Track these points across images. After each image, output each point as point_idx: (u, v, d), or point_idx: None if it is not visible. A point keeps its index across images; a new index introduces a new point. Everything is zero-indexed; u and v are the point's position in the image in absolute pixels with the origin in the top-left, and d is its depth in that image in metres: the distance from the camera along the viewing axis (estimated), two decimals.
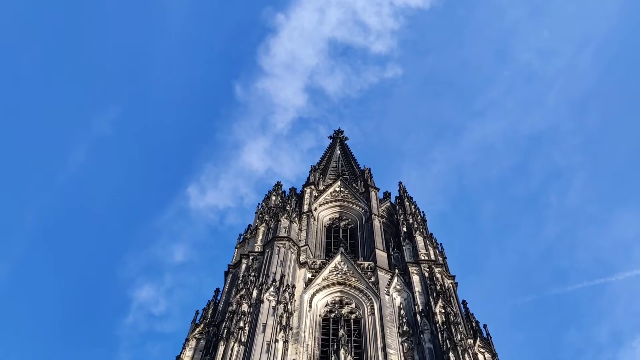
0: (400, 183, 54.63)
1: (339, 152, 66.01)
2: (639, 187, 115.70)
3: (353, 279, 38.28)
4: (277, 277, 35.21)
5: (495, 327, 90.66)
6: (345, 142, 69.74)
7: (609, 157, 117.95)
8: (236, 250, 43.42)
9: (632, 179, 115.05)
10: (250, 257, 39.20)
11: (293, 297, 34.54)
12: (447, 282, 38.22)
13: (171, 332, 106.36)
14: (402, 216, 47.29)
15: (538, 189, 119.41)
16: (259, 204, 50.38)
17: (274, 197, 50.64)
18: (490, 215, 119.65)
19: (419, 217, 47.40)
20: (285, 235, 40.62)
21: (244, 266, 38.33)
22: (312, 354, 32.31)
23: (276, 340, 29.83)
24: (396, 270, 39.37)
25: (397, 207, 50.03)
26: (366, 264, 40.31)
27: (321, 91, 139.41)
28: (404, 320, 34.50)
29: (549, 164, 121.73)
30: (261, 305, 32.51)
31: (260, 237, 42.54)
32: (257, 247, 41.02)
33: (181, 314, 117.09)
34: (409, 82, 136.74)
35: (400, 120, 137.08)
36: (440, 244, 43.92)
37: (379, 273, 38.82)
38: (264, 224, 44.34)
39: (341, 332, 31.85)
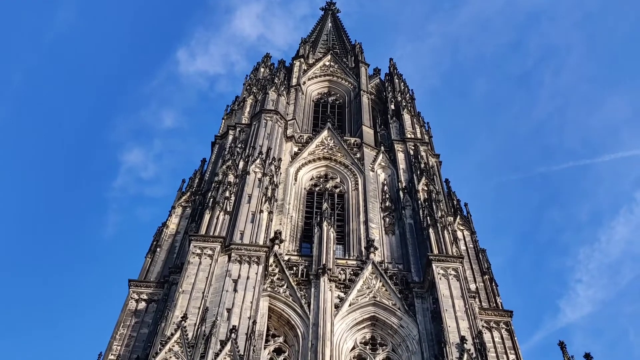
0: (391, 59, 53.77)
1: (330, 24, 64.35)
2: (633, 70, 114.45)
3: (339, 154, 38.59)
4: (264, 150, 35.37)
5: (478, 205, 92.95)
6: (337, 14, 67.89)
7: (606, 38, 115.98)
8: (223, 121, 43.31)
9: (627, 61, 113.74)
10: (237, 129, 39.19)
11: (279, 170, 34.90)
12: (432, 161, 38.67)
13: (160, 196, 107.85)
14: (390, 93, 46.95)
15: (532, 67, 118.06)
16: (247, 75, 49.74)
17: (262, 69, 49.85)
18: (482, 93, 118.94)
19: (408, 95, 47.08)
20: (272, 108, 40.39)
21: (230, 137, 38.40)
22: (296, 225, 33.13)
23: (261, 211, 30.44)
24: (382, 147, 39.64)
25: (387, 84, 49.54)
26: (352, 140, 40.47)
27: None
28: (387, 196, 35.19)
29: (545, 41, 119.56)
30: (247, 176, 32.87)
31: (247, 109, 42.30)
32: (245, 119, 40.92)
33: (170, 180, 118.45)
34: None
35: None
36: (427, 123, 44.07)
37: (365, 149, 39.11)
38: (251, 96, 43.95)
39: (325, 205, 32.48)
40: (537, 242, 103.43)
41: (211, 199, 30.62)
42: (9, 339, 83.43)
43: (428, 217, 31.14)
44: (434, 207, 31.95)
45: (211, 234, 28.05)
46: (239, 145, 36.29)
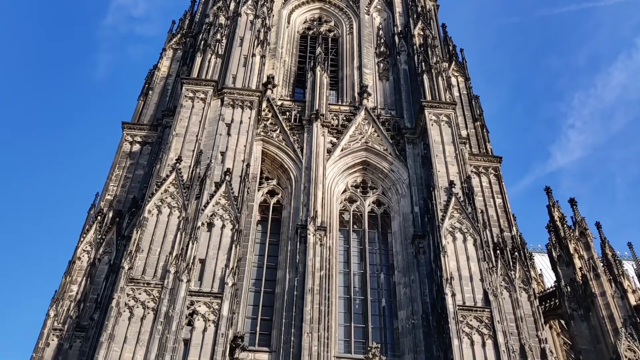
0: None
1: None
2: None
3: None
4: None
5: (475, 50, 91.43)
6: None
7: None
8: None
9: None
10: None
11: (271, 11, 33.80)
12: (429, 4, 37.43)
13: (152, 35, 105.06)
14: None
15: None
16: None
17: None
18: None
19: None
20: None
21: None
22: (289, 70, 32.69)
23: (253, 55, 29.86)
24: None
25: None
26: None
27: None
28: (382, 41, 34.46)
29: None
30: (239, 18, 31.88)
31: None
32: None
33: (161, 19, 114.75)
34: None
35: None
36: None
37: None
38: None
39: (318, 49, 31.89)
40: (532, 88, 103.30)
41: (202, 42, 29.91)
42: (12, 180, 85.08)
43: (423, 63, 30.73)
44: (429, 52, 31.43)
45: (203, 77, 27.70)
46: None
